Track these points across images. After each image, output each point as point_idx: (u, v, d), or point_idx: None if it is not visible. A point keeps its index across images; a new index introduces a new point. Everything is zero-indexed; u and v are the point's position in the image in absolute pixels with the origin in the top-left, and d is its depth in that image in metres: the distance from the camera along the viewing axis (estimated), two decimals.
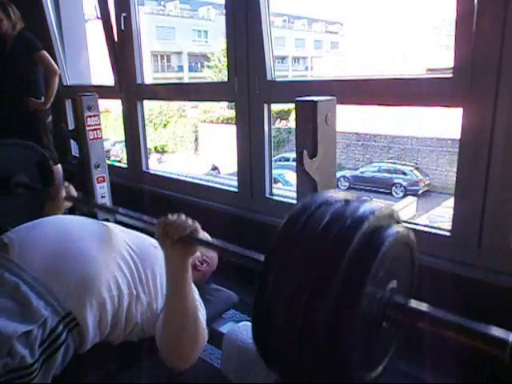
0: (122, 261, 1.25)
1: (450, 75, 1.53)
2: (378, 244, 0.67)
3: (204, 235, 1.27)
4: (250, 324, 1.51)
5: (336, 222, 0.67)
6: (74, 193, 1.69)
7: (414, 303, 0.75)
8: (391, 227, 0.71)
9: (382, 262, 0.68)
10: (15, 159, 1.93)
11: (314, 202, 0.73)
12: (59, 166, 3.33)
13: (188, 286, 1.15)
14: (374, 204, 0.72)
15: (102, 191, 1.98)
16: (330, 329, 0.64)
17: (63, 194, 1.64)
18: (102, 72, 3.74)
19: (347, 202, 0.71)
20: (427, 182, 12.81)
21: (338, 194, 0.75)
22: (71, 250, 1.21)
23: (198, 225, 1.14)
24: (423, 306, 0.74)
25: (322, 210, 0.70)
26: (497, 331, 0.65)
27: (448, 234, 1.65)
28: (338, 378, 0.69)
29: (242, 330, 1.46)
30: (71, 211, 1.69)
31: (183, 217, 1.14)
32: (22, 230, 1.28)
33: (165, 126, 18.24)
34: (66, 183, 1.71)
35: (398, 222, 0.75)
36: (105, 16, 2.78)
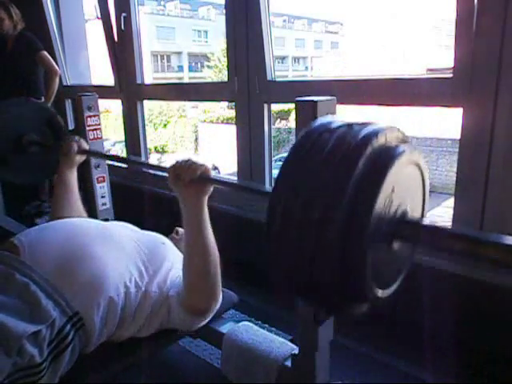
0: (130, 261, 1.27)
1: (450, 75, 1.53)
2: (386, 162, 0.68)
3: None
4: (249, 324, 1.51)
5: (341, 145, 0.68)
6: (85, 146, 1.70)
7: (426, 221, 0.76)
8: (398, 147, 0.71)
9: (391, 181, 0.68)
10: (25, 118, 1.95)
11: (317, 129, 0.74)
12: None
13: (206, 223, 1.19)
14: (380, 125, 0.72)
15: (102, 191, 1.98)
16: (341, 246, 0.66)
17: (75, 148, 1.66)
18: (102, 72, 3.74)
19: (350, 125, 0.72)
20: None
21: (340, 119, 0.76)
22: (80, 251, 1.22)
23: (208, 166, 1.17)
24: (436, 223, 0.74)
25: (326, 136, 0.71)
26: None
27: None
28: (350, 289, 0.71)
29: (241, 330, 1.46)
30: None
31: (193, 159, 1.17)
32: (31, 232, 1.29)
33: (165, 125, 18.22)
34: (77, 137, 1.72)
35: (405, 141, 0.75)
36: (105, 16, 2.78)
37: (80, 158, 1.69)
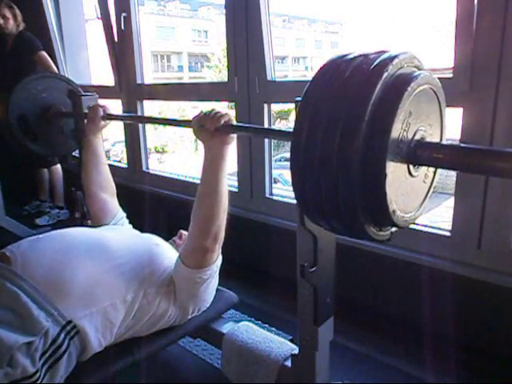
0: (125, 269, 1.27)
1: (450, 75, 1.53)
2: (402, 85, 0.70)
3: None
4: (249, 324, 1.51)
5: (359, 71, 0.71)
6: (109, 111, 1.73)
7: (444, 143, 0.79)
8: (414, 72, 0.74)
9: (408, 104, 0.71)
10: (50, 91, 2.02)
11: (335, 60, 0.78)
12: (59, 166, 3.33)
13: (224, 172, 1.23)
14: (395, 51, 0.74)
15: None
16: (361, 169, 0.69)
17: (101, 113, 1.69)
18: (102, 72, 3.74)
19: (365, 55, 0.74)
20: None
21: (354, 52, 0.79)
22: (73, 263, 1.22)
23: (230, 115, 1.20)
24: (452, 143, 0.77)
25: (343, 65, 0.74)
26: None
27: (448, 234, 1.65)
28: (375, 211, 0.73)
29: (241, 330, 1.46)
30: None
31: (216, 109, 1.21)
32: (24, 243, 1.28)
33: (164, 125, 18.18)
34: (102, 103, 1.75)
35: (421, 69, 0.77)
36: (105, 16, 2.78)
37: (104, 123, 1.73)
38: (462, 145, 0.74)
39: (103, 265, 1.25)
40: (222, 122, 1.17)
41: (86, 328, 1.14)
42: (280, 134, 1.14)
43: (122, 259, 1.29)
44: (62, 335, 1.10)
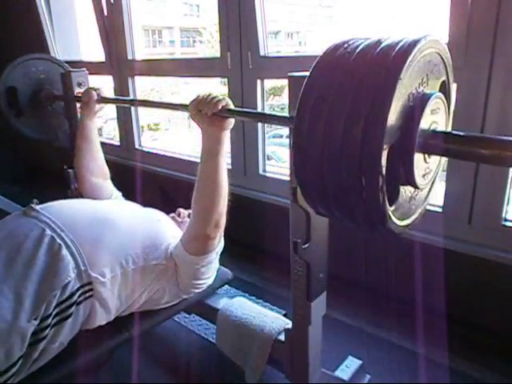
0: (127, 239, 1.29)
1: None
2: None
3: None
4: (243, 299, 1.53)
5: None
6: (104, 94, 1.71)
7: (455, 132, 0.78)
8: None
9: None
10: (40, 73, 1.98)
11: (339, 46, 0.76)
12: None
13: (223, 157, 1.22)
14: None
15: None
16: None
17: (95, 96, 1.67)
18: (94, 49, 3.66)
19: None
20: None
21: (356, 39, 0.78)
22: (104, 222, 1.28)
23: (228, 99, 1.17)
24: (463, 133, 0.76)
25: (351, 50, 0.73)
26: None
27: (439, 209, 1.67)
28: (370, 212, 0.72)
29: (236, 305, 1.48)
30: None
31: (213, 94, 1.18)
32: (48, 205, 1.31)
33: (161, 108, 17.92)
34: (96, 86, 1.73)
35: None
36: None
37: (99, 107, 1.71)
38: (467, 134, 0.75)
39: (128, 230, 1.30)
40: (220, 106, 1.14)
41: (102, 292, 1.16)
42: (279, 120, 1.08)
43: (126, 230, 1.31)
44: (78, 293, 1.12)
